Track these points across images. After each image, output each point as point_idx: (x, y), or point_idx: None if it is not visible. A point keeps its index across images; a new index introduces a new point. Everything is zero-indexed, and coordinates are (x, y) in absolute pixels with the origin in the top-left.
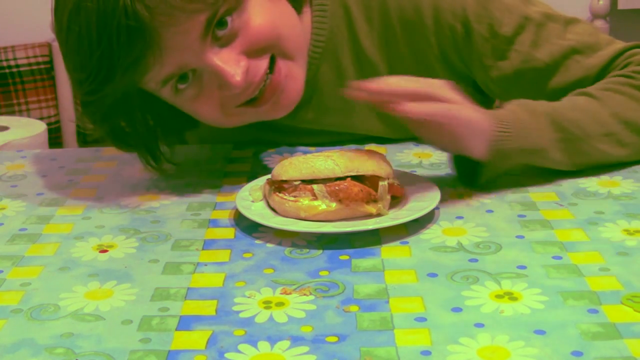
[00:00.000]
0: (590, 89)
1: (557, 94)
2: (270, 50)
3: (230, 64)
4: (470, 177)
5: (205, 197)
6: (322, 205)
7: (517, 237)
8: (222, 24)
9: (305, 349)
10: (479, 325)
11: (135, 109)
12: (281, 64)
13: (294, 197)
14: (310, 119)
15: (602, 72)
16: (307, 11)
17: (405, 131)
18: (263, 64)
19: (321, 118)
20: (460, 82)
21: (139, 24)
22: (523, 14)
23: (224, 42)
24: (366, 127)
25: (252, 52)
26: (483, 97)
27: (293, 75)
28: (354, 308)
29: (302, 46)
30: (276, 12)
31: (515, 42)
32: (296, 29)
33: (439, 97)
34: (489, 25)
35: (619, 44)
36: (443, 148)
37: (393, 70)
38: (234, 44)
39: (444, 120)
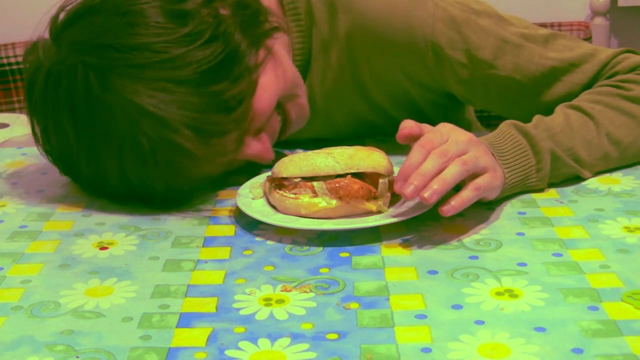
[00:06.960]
0: (582, 103)
1: (540, 109)
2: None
3: (259, 149)
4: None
5: (206, 194)
6: (323, 202)
7: (518, 234)
8: None
9: (306, 346)
10: (479, 322)
11: None
12: (289, 107)
13: (295, 194)
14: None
15: (587, 88)
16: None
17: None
18: (276, 122)
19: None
20: (429, 93)
21: None
22: (500, 36)
23: None
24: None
25: (265, 123)
26: (455, 104)
27: (301, 109)
28: (354, 305)
29: (300, 83)
30: (275, 81)
31: (496, 66)
32: (293, 76)
33: (455, 152)
34: (465, 51)
35: (602, 54)
36: None
37: (357, 82)
38: (251, 127)
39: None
